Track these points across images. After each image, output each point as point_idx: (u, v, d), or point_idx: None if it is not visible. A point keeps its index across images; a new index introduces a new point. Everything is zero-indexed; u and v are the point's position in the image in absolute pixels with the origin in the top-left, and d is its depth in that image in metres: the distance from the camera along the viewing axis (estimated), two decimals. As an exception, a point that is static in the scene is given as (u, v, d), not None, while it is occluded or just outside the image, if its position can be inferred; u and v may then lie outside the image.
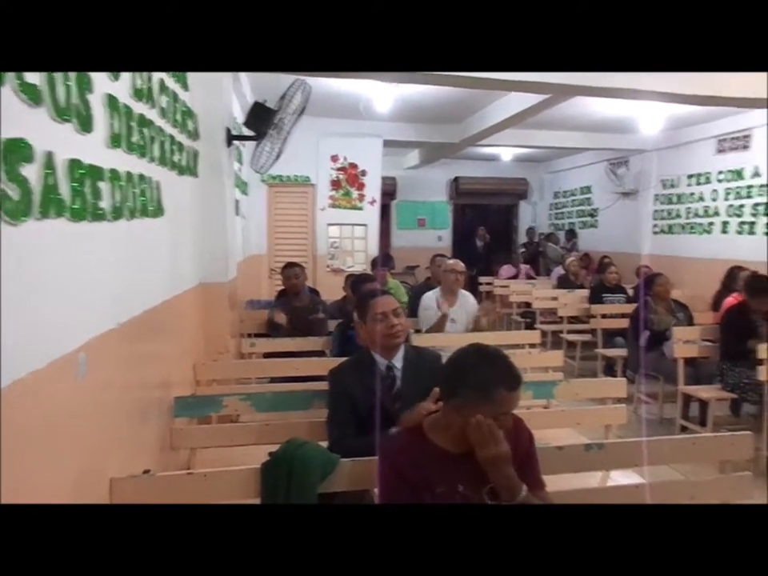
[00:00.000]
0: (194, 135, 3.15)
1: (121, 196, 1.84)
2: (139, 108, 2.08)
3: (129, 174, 1.93)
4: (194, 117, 3.14)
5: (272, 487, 1.66)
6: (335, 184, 7.17)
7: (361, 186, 7.22)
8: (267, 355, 3.82)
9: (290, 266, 4.45)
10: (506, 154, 9.97)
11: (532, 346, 4.04)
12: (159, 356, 2.45)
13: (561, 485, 1.96)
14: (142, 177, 2.10)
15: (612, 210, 9.44)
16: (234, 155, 4.18)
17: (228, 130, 3.56)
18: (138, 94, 2.06)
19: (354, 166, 7.15)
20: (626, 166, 8.97)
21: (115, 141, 1.81)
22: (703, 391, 4.13)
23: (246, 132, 3.91)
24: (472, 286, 9.28)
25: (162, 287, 2.45)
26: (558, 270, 8.31)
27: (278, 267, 6.64)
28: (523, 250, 10.65)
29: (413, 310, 4.37)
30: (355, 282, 3.92)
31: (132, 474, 1.74)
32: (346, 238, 7.34)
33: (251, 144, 4.03)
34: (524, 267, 9.14)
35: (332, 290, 5.47)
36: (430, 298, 4.06)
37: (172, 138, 2.61)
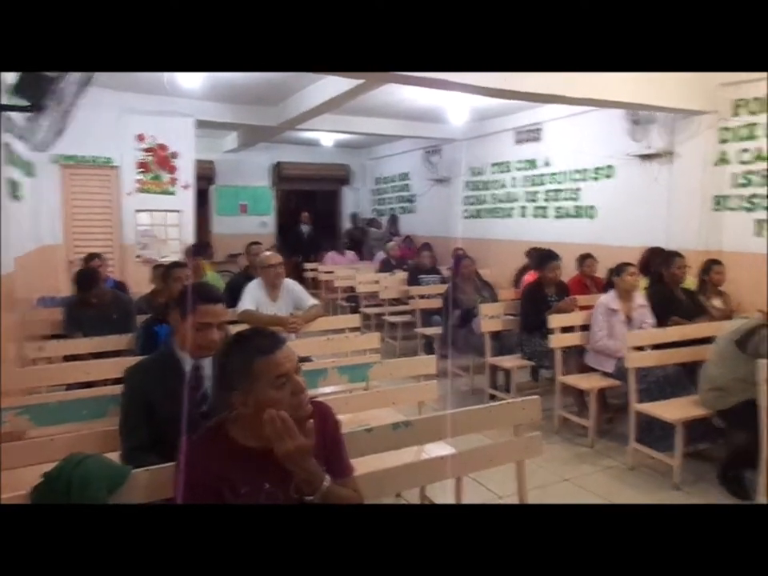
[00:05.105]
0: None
1: None
2: None
3: None
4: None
5: (45, 512, 1.42)
6: (143, 166, 6.57)
7: (172, 169, 6.70)
8: (68, 359, 3.40)
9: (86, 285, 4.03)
10: (327, 140, 9.98)
11: (353, 330, 4.09)
12: None
13: (376, 464, 1.98)
14: None
15: (428, 195, 9.94)
16: (6, 128, 3.60)
17: (-8, 99, 3.04)
18: None
19: (163, 147, 6.60)
20: (440, 154, 9.48)
21: None
22: (506, 361, 4.52)
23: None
24: (297, 273, 9.22)
25: None
26: (381, 255, 8.57)
27: (77, 260, 5.95)
28: (347, 240, 10.80)
29: (232, 300, 4.17)
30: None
31: None
32: (158, 226, 6.78)
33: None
34: (348, 253, 9.27)
35: (143, 283, 5.04)
36: (255, 294, 3.94)
37: None
